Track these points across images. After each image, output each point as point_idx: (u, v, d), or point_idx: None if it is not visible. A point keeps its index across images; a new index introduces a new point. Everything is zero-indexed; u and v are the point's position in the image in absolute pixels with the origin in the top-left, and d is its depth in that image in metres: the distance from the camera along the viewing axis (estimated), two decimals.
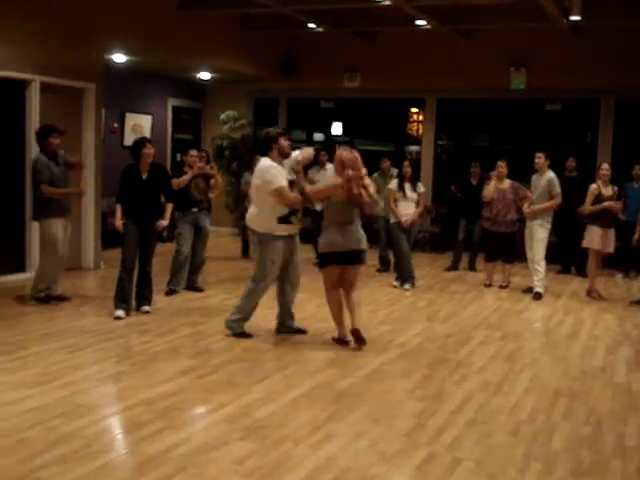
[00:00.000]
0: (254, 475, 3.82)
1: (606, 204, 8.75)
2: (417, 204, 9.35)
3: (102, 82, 9.78)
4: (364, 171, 6.42)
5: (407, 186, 9.27)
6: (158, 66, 12.05)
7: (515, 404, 5.12)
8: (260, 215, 6.49)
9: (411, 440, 4.39)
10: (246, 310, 6.66)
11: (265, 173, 6.38)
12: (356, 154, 6.38)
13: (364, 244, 6.44)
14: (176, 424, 4.52)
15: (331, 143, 14.01)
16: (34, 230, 8.51)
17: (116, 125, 12.18)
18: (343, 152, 6.41)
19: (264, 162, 6.45)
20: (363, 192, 6.24)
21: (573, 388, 5.54)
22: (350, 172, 6.20)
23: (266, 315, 7.28)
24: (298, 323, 6.86)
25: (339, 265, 6.36)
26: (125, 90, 12.16)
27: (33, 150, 8.65)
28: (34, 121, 8.67)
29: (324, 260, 6.48)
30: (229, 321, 6.68)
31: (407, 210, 9.24)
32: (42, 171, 7.49)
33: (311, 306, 7.70)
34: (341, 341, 6.49)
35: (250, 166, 11.42)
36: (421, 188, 9.48)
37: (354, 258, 6.37)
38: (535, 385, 5.59)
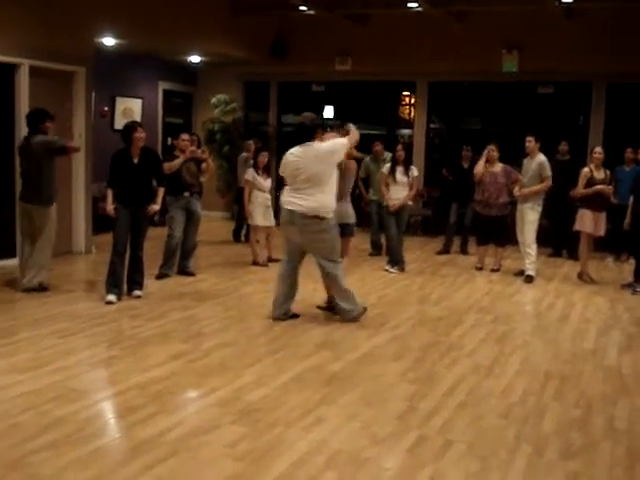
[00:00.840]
0: (246, 458, 3.83)
1: (598, 187, 8.76)
2: (410, 188, 9.36)
3: (92, 66, 9.72)
4: None
5: (399, 170, 9.27)
6: (148, 49, 11.97)
7: (506, 387, 5.14)
8: (331, 200, 6.52)
9: (402, 423, 4.40)
10: (349, 294, 6.71)
11: (329, 150, 6.47)
12: None
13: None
14: (168, 408, 4.52)
15: (323, 127, 13.95)
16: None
17: (106, 109, 12.12)
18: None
19: (318, 144, 6.49)
20: None
21: (564, 371, 5.57)
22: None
23: (261, 299, 7.30)
24: (294, 306, 6.88)
25: None
26: (115, 74, 12.07)
27: (22, 133, 8.60)
28: (23, 105, 8.62)
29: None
30: (347, 314, 6.69)
31: (398, 194, 9.24)
32: (57, 140, 7.52)
33: (306, 290, 7.70)
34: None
35: (240, 149, 11.46)
36: (414, 172, 9.47)
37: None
38: (526, 368, 5.61)
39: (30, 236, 7.56)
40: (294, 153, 6.51)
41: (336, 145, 6.51)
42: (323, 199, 6.42)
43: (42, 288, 7.45)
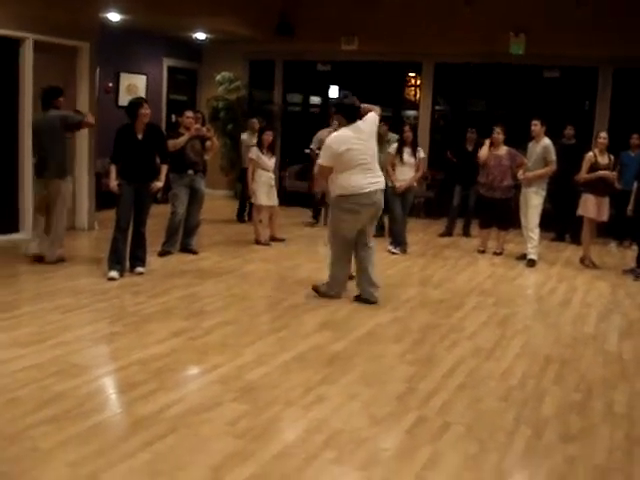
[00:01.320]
0: (246, 436, 3.85)
1: (601, 173, 8.73)
2: (417, 169, 9.34)
3: (96, 41, 9.67)
4: None
5: (407, 151, 9.24)
6: (153, 25, 11.91)
7: (506, 369, 5.15)
8: None
9: (402, 404, 4.42)
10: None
11: (376, 126, 6.66)
12: None
13: None
14: (169, 385, 4.54)
15: (328, 107, 13.90)
16: (29, 189, 8.52)
17: (111, 85, 12.08)
18: None
19: (364, 122, 6.52)
20: None
21: (564, 355, 5.58)
22: None
23: (263, 278, 7.31)
24: (297, 286, 6.91)
25: None
26: (120, 49, 12.03)
27: (27, 108, 8.60)
28: (28, 80, 8.59)
29: None
30: (330, 286, 6.83)
31: (404, 175, 9.22)
32: (74, 115, 7.74)
33: (305, 270, 7.72)
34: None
35: (244, 128, 11.41)
36: (421, 153, 9.45)
37: None
38: (526, 351, 5.62)
39: (45, 209, 7.69)
40: (351, 135, 6.41)
41: (376, 120, 6.66)
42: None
43: (60, 260, 7.65)
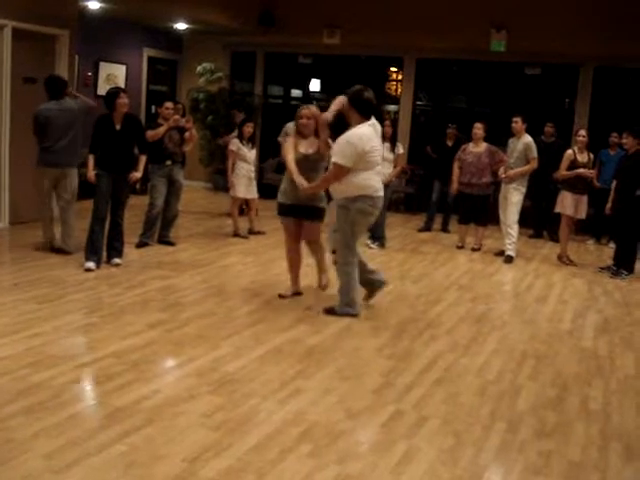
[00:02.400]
0: (222, 428, 3.84)
1: (579, 171, 8.78)
2: (395, 164, 9.33)
3: (76, 29, 9.55)
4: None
5: (386, 146, 9.18)
6: (133, 14, 11.79)
7: (482, 365, 5.18)
8: None
9: (378, 398, 4.43)
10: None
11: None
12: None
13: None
14: (145, 377, 4.51)
15: (309, 100, 13.89)
16: (6, 179, 8.44)
17: (90, 74, 11.95)
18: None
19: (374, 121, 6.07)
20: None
21: (540, 351, 5.61)
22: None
23: (241, 271, 7.28)
24: (275, 278, 6.86)
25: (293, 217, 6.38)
26: (99, 38, 11.89)
27: (4, 97, 8.50)
28: (6, 67, 8.49)
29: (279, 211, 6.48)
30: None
31: (383, 170, 9.18)
32: (92, 103, 7.92)
33: (284, 263, 7.68)
34: (282, 296, 6.53)
35: (225, 119, 11.36)
36: (400, 149, 9.44)
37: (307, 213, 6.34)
38: (503, 347, 5.65)
39: (60, 198, 7.72)
40: (372, 132, 5.98)
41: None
42: None
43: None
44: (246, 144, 9.25)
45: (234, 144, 9.24)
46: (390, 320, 6.13)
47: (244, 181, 9.24)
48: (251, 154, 9.32)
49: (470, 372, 5.01)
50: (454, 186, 9.49)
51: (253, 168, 9.45)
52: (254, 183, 9.43)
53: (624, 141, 8.90)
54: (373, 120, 6.00)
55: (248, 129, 9.26)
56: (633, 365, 5.45)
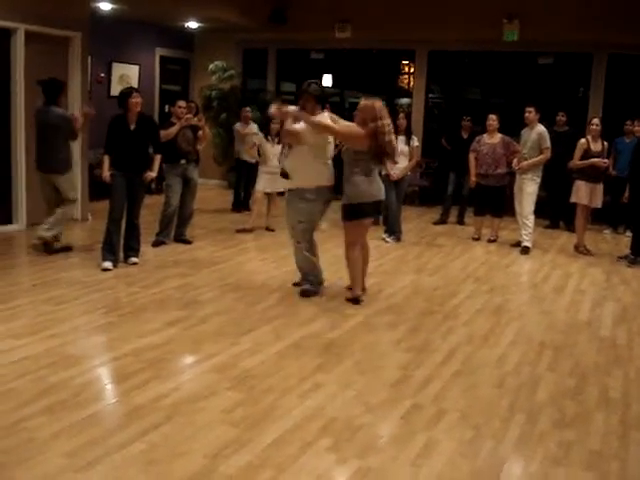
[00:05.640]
0: (242, 424, 3.85)
1: (593, 160, 8.72)
2: (410, 157, 9.31)
3: (88, 31, 9.60)
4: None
5: (401, 139, 9.17)
6: (145, 15, 11.84)
7: (500, 356, 5.16)
8: None
9: (397, 391, 4.43)
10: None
11: None
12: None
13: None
14: (164, 374, 4.54)
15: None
16: (22, 181, 8.50)
17: (103, 75, 12.01)
18: (374, 102, 6.32)
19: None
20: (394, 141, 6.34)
21: (558, 341, 5.59)
22: (384, 122, 6.17)
23: (258, 267, 7.29)
24: (292, 274, 6.87)
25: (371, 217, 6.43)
26: (112, 39, 11.95)
27: (19, 99, 8.56)
28: (19, 70, 8.55)
29: (356, 212, 6.26)
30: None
31: (398, 164, 9.18)
32: (72, 123, 7.70)
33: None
34: (355, 300, 6.36)
35: (238, 117, 11.37)
36: (415, 142, 9.42)
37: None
38: (521, 338, 5.64)
39: (54, 202, 7.71)
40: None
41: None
42: None
43: (64, 248, 7.74)
44: (271, 140, 9.29)
45: (258, 138, 9.57)
46: (407, 313, 6.13)
47: (266, 176, 9.29)
48: (274, 150, 9.25)
49: (488, 364, 5.00)
50: (472, 179, 9.46)
51: (277, 164, 9.40)
52: (277, 178, 9.38)
53: (637, 128, 8.84)
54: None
55: (275, 126, 9.24)
56: None
